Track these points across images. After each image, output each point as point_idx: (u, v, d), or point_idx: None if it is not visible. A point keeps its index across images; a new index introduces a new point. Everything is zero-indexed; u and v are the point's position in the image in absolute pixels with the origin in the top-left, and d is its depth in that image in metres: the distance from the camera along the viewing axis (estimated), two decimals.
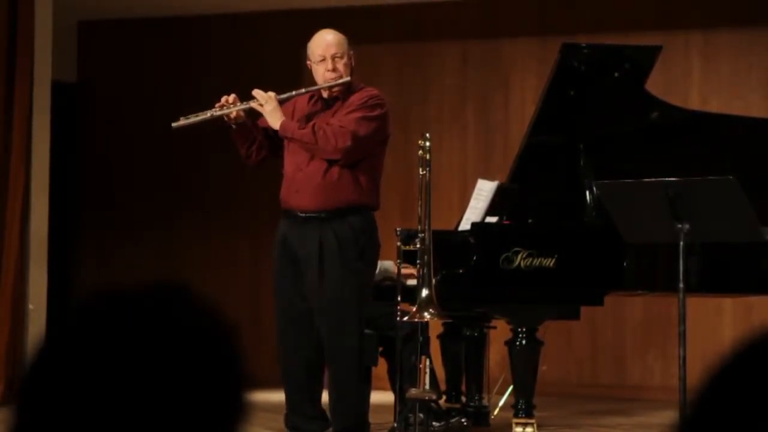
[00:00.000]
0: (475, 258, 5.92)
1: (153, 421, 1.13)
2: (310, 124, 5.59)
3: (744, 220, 5.06)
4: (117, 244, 10.00)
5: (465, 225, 6.38)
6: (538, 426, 6.11)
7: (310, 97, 5.76)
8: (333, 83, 5.62)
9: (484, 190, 6.52)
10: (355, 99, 5.64)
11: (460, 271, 5.92)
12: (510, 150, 7.91)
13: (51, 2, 8.33)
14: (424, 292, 5.45)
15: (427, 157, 5.71)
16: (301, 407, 5.70)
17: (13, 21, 8.06)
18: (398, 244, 5.77)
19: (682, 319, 5.11)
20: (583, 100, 6.41)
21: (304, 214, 5.60)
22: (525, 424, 5.99)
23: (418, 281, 5.52)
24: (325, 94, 5.71)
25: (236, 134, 5.76)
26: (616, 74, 6.41)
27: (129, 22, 10.12)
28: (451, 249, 6.00)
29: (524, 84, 9.17)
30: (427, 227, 5.56)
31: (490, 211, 6.42)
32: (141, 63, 10.16)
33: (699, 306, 8.04)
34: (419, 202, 5.64)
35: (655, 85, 6.64)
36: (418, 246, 5.56)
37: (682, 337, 5.11)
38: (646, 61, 6.46)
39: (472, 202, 6.58)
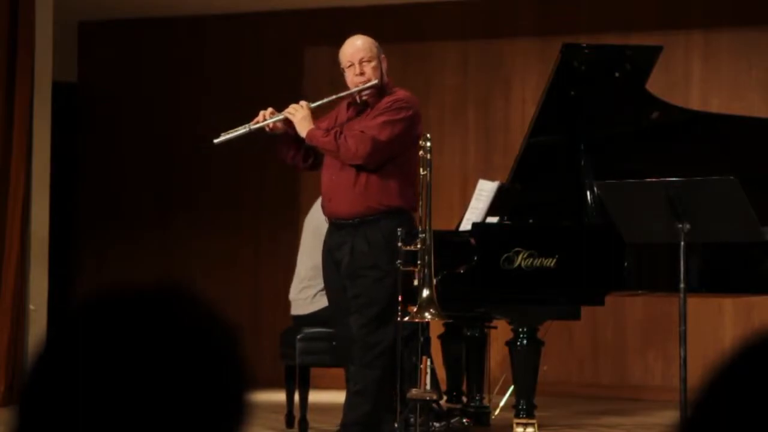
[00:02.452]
0: (475, 258, 5.91)
1: (154, 422, 1.13)
2: (334, 130, 5.71)
3: (744, 220, 5.06)
4: (117, 244, 9.99)
5: (466, 225, 6.38)
6: (539, 426, 6.11)
7: (348, 105, 5.88)
8: (362, 87, 5.73)
9: (484, 191, 6.51)
10: (382, 103, 5.75)
11: (461, 271, 5.92)
12: (511, 150, 7.90)
13: (51, 2, 8.32)
14: (425, 293, 5.45)
15: (428, 157, 5.71)
16: None
17: (14, 21, 8.06)
18: (399, 244, 5.77)
19: (683, 319, 5.11)
20: (583, 100, 6.41)
21: (338, 221, 5.78)
22: (526, 425, 5.98)
23: (418, 281, 5.52)
24: (357, 99, 5.81)
25: (280, 144, 5.91)
26: (616, 74, 6.40)
27: (129, 22, 10.12)
28: (451, 249, 5.99)
29: (525, 84, 9.17)
30: (427, 227, 5.56)
31: (490, 212, 6.41)
32: (141, 63, 10.15)
33: (699, 306, 8.03)
34: (420, 202, 5.65)
35: (656, 85, 6.64)
36: (418, 246, 5.56)
37: (683, 337, 5.11)
38: (646, 62, 6.46)
39: (473, 203, 6.57)
